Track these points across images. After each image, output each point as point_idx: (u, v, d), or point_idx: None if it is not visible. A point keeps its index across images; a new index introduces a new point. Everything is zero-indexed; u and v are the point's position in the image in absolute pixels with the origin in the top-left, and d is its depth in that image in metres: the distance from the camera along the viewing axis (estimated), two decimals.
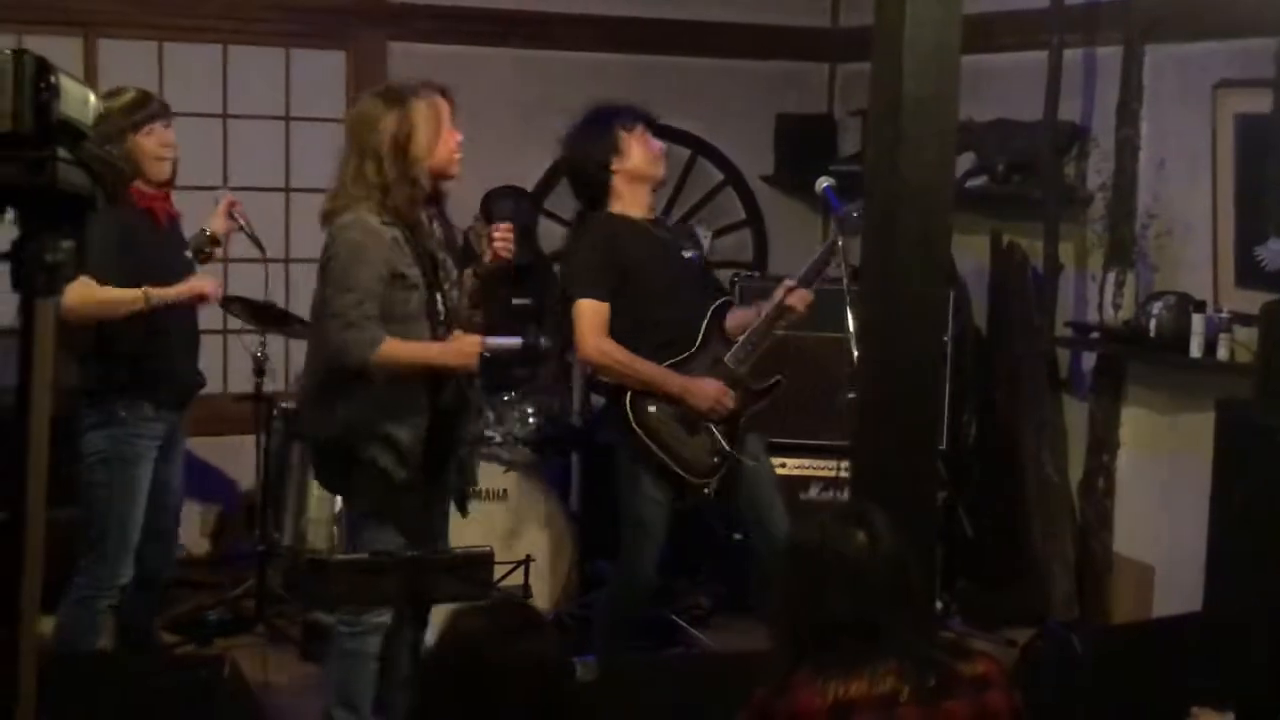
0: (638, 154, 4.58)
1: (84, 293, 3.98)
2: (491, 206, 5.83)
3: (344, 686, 4.09)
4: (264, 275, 5.21)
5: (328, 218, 3.92)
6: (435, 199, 4.04)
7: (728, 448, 4.60)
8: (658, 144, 4.66)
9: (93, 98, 1.41)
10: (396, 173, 3.86)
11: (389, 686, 4.15)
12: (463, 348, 3.93)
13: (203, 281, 4.37)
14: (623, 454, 4.62)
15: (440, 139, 3.93)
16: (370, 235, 3.84)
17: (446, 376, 3.97)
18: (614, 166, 4.57)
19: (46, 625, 4.56)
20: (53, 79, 1.33)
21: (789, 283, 4.60)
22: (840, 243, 4.35)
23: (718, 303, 4.71)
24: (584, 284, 4.54)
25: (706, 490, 4.62)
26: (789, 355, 5.00)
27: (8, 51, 1.34)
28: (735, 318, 4.73)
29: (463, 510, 4.25)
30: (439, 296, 3.98)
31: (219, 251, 4.87)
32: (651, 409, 4.54)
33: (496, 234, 4.10)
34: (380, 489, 3.93)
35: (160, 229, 4.38)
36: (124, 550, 4.33)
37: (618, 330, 4.53)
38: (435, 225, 4.02)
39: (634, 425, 4.52)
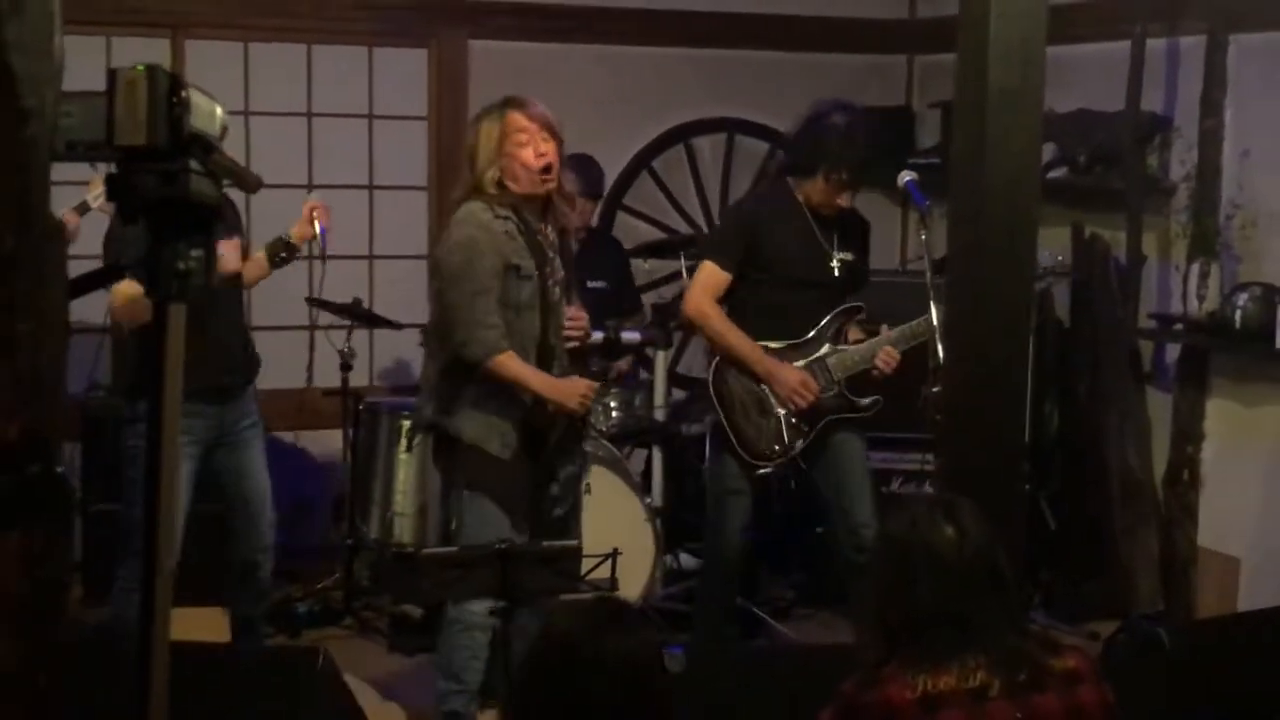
0: (815, 193, 4.68)
1: (128, 291, 4.07)
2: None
3: (446, 655, 4.22)
4: (349, 273, 5.28)
5: (451, 208, 4.15)
6: (546, 207, 4.15)
7: (788, 442, 4.68)
8: (844, 205, 4.71)
9: (219, 110, 1.46)
10: (474, 177, 4.08)
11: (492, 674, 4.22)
12: (572, 389, 4.07)
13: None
14: (709, 425, 4.85)
15: (504, 152, 4.04)
16: (482, 229, 4.02)
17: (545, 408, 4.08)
18: (803, 178, 4.70)
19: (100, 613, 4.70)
20: (184, 94, 1.38)
21: (891, 333, 4.71)
22: (934, 318, 4.36)
23: (844, 308, 4.76)
24: (713, 248, 4.81)
25: (759, 473, 4.73)
26: None
27: (140, 68, 1.39)
28: (860, 333, 4.83)
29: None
30: (548, 287, 4.11)
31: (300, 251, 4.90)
32: (731, 380, 4.69)
33: (569, 322, 4.20)
34: (481, 468, 4.08)
35: None
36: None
37: (740, 302, 4.70)
38: (550, 229, 4.15)
39: (711, 390, 4.69)
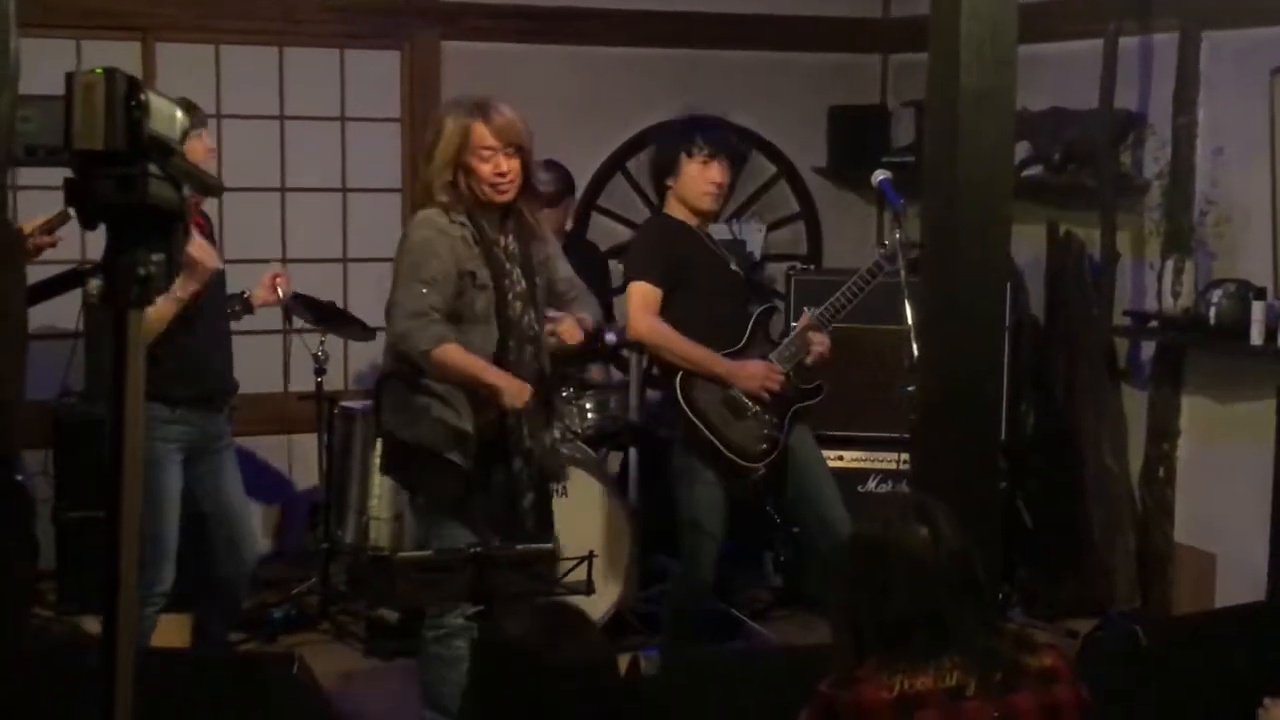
0: (689, 183, 4.66)
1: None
2: None
3: (432, 689, 4.13)
4: (322, 276, 5.27)
5: (411, 211, 4.11)
6: (505, 216, 4.05)
7: (775, 430, 4.66)
8: (717, 178, 4.65)
9: (179, 113, 1.44)
10: (427, 176, 3.98)
11: None
12: (515, 387, 3.92)
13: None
14: (677, 448, 4.69)
15: (461, 161, 3.93)
16: (439, 232, 3.93)
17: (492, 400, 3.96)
18: (669, 182, 4.71)
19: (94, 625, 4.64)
20: (142, 97, 1.36)
21: (810, 315, 4.73)
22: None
23: (763, 307, 4.84)
24: (638, 268, 4.68)
25: (754, 477, 4.69)
26: (847, 348, 5.02)
27: (98, 70, 1.37)
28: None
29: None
30: (507, 300, 4.00)
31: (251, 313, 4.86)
32: (699, 393, 4.64)
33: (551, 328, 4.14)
34: (446, 481, 4.00)
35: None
36: (159, 557, 4.29)
37: (671, 320, 4.63)
38: (511, 240, 4.04)
39: (683, 406, 4.60)
